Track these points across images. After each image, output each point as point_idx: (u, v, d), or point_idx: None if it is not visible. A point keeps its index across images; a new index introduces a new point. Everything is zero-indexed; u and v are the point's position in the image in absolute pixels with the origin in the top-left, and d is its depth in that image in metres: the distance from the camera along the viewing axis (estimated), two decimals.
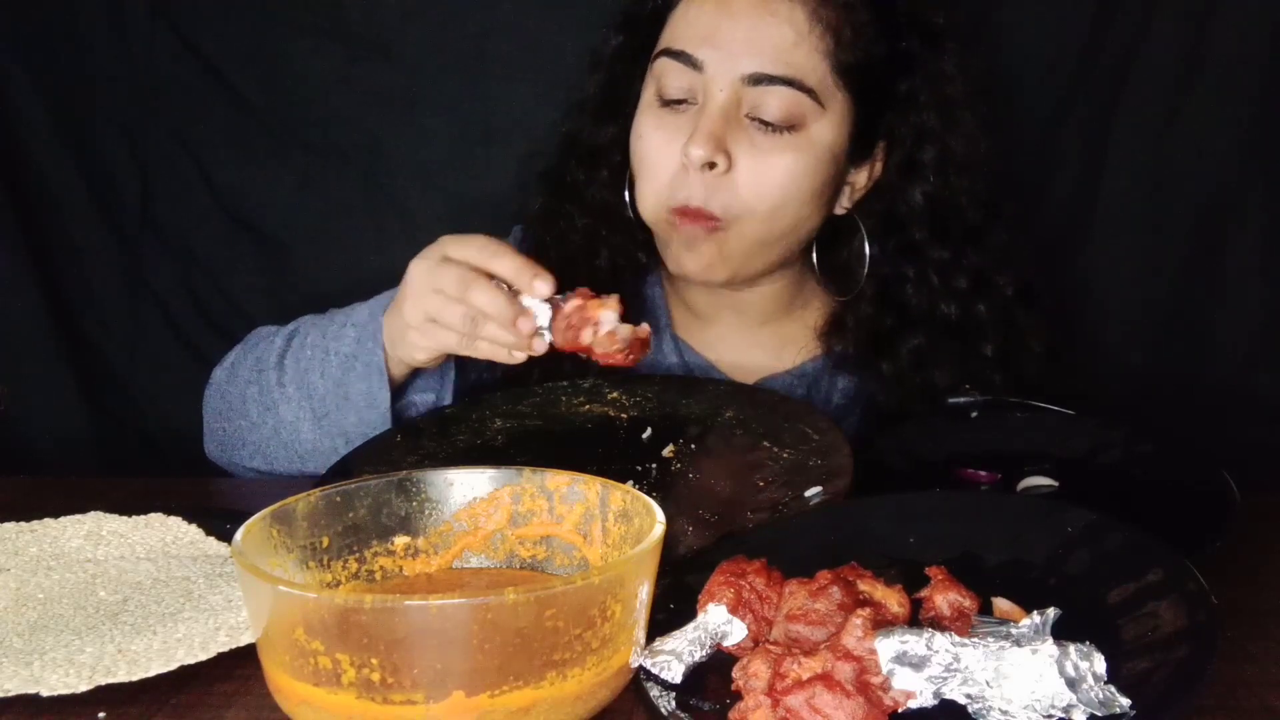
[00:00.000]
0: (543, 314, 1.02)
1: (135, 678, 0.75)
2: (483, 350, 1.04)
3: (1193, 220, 1.54)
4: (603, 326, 1.00)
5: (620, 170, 1.25)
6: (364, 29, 1.56)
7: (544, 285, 1.01)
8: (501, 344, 1.03)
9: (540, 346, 1.03)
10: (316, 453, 1.15)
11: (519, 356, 1.04)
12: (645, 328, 1.02)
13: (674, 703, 0.70)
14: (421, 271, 1.04)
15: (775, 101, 1.13)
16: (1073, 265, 1.57)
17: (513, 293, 1.02)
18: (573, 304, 1.01)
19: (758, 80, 1.12)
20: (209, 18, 1.57)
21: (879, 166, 1.25)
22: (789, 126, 1.14)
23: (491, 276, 1.03)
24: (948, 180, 1.24)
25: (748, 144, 1.13)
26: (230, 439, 1.22)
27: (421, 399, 1.19)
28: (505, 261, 1.02)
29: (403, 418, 1.18)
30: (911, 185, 1.24)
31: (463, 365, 1.21)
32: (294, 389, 1.15)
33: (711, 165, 1.12)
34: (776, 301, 1.29)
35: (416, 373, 1.19)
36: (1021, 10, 1.53)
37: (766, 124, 1.13)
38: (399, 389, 1.17)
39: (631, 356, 1.01)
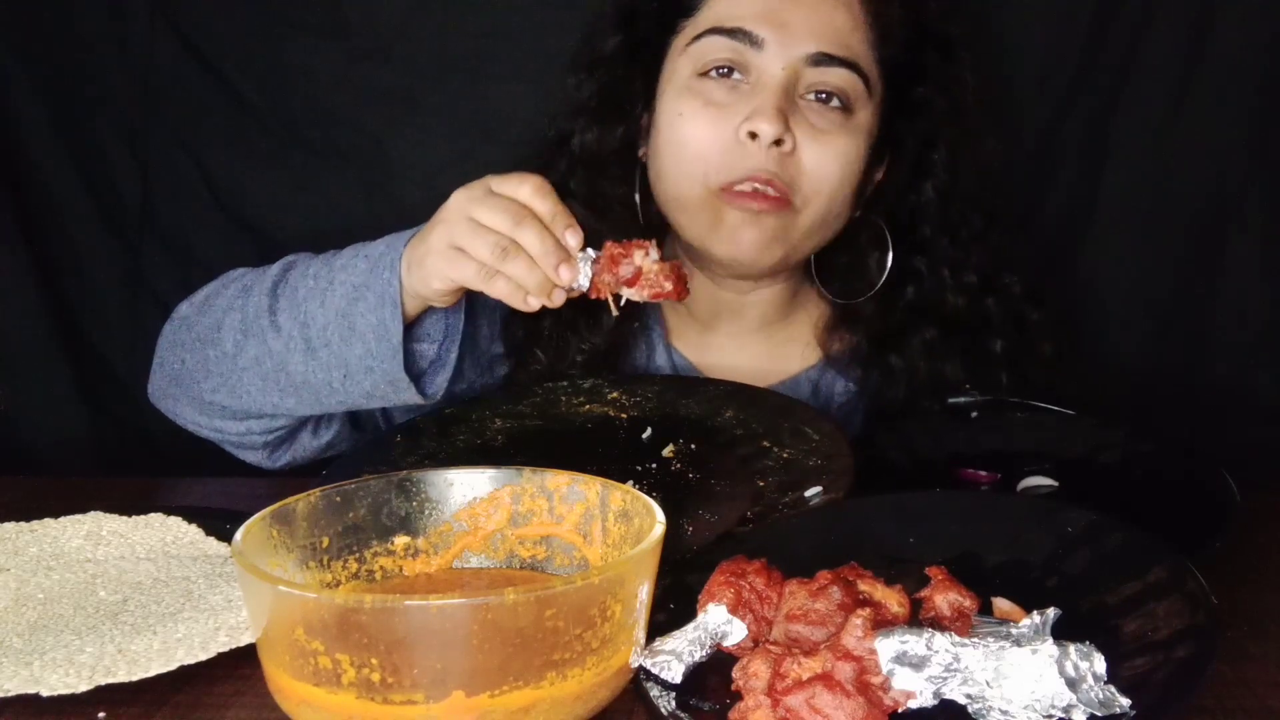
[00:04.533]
0: (584, 261, 1.00)
1: (135, 678, 0.75)
2: (499, 289, 0.99)
3: (1193, 220, 1.54)
4: (650, 254, 1.00)
5: (627, 175, 1.25)
6: (364, 29, 1.56)
7: (575, 236, 0.99)
8: (523, 285, 0.99)
9: (559, 299, 1.00)
10: (309, 385, 1.09)
11: (533, 304, 1.00)
12: (678, 262, 1.03)
13: (674, 703, 0.70)
14: (463, 200, 1.01)
15: (834, 83, 1.14)
16: (1073, 265, 1.57)
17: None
18: (613, 244, 1.01)
19: (819, 61, 1.13)
20: (209, 18, 1.57)
21: (881, 171, 1.26)
22: (843, 109, 1.15)
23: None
24: (956, 180, 1.25)
25: (806, 125, 1.13)
26: (190, 371, 1.16)
27: (425, 349, 1.12)
28: (548, 203, 0.99)
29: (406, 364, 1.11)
30: (922, 184, 1.25)
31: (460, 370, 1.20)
32: (287, 318, 1.09)
33: (778, 143, 1.11)
34: (775, 305, 1.29)
35: (426, 316, 1.12)
36: (1021, 11, 1.52)
37: (824, 105, 1.14)
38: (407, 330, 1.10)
39: (679, 286, 1.01)
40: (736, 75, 1.15)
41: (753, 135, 1.11)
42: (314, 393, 1.10)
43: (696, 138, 1.15)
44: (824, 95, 1.14)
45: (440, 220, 1.01)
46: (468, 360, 1.25)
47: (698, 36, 1.17)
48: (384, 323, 1.04)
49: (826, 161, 1.14)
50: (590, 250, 1.01)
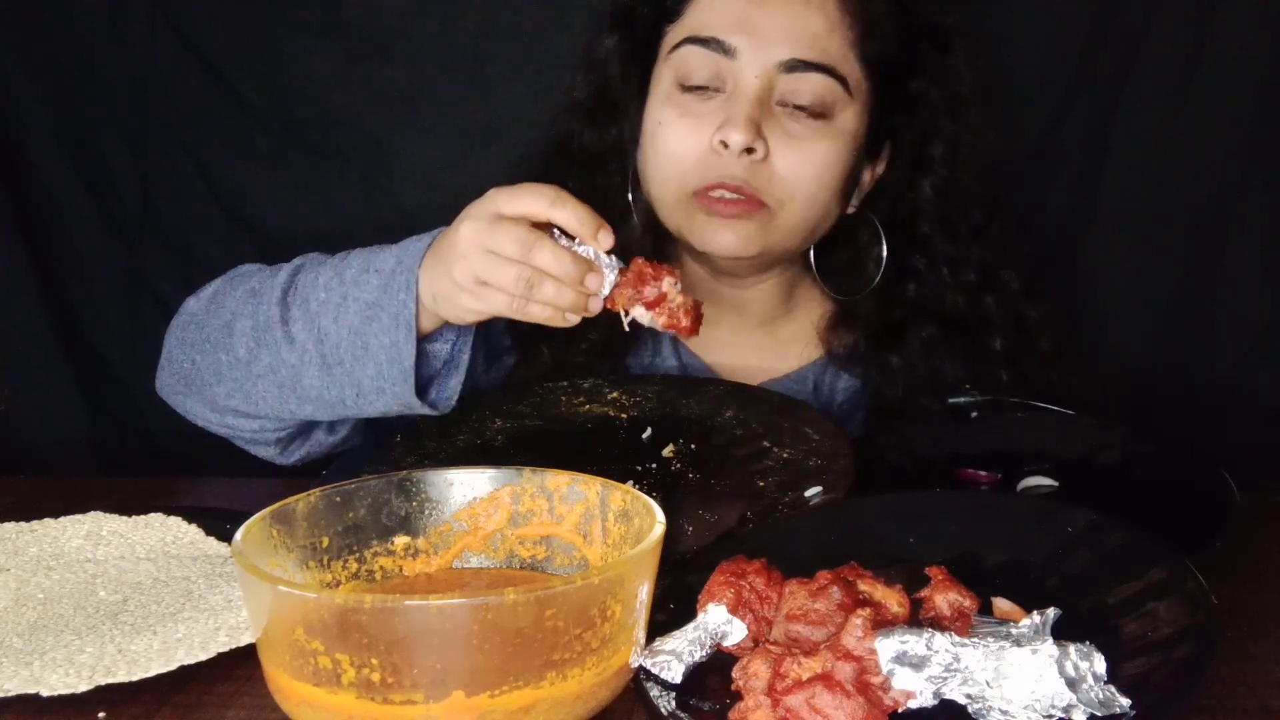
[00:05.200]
0: (609, 270, 0.97)
1: (135, 678, 0.75)
2: (534, 314, 0.98)
3: (1193, 220, 1.54)
4: (677, 285, 0.97)
5: (623, 173, 1.25)
6: (364, 29, 1.56)
7: (608, 236, 0.96)
8: (557, 306, 0.97)
9: (595, 306, 0.98)
10: (323, 401, 1.09)
11: (573, 319, 0.98)
12: (700, 302, 0.99)
13: (674, 703, 0.70)
14: (473, 231, 0.97)
15: (809, 89, 1.13)
16: (1073, 265, 1.57)
17: (567, 238, 0.98)
18: (641, 261, 0.98)
19: (793, 67, 1.13)
20: (209, 18, 1.57)
21: (882, 166, 1.26)
22: (820, 115, 1.14)
23: (548, 228, 0.97)
24: (956, 176, 1.25)
25: (781, 131, 1.13)
26: (201, 373, 1.14)
27: (438, 348, 1.10)
28: (568, 210, 0.96)
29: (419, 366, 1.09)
30: (920, 180, 1.25)
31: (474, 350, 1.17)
32: (301, 329, 1.07)
33: (749, 151, 1.11)
34: (776, 299, 1.29)
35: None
36: (1022, 10, 1.53)
37: (800, 111, 1.14)
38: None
39: (694, 321, 0.98)
40: (713, 85, 1.15)
41: (726, 145, 1.11)
42: (328, 406, 1.10)
43: (675, 148, 1.16)
44: (800, 101, 1.14)
45: (458, 254, 0.98)
46: (480, 351, 1.25)
47: (677, 45, 1.17)
48: (397, 344, 1.03)
49: (800, 167, 1.14)
50: (615, 259, 0.98)
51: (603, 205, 1.23)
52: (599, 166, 1.26)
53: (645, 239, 1.24)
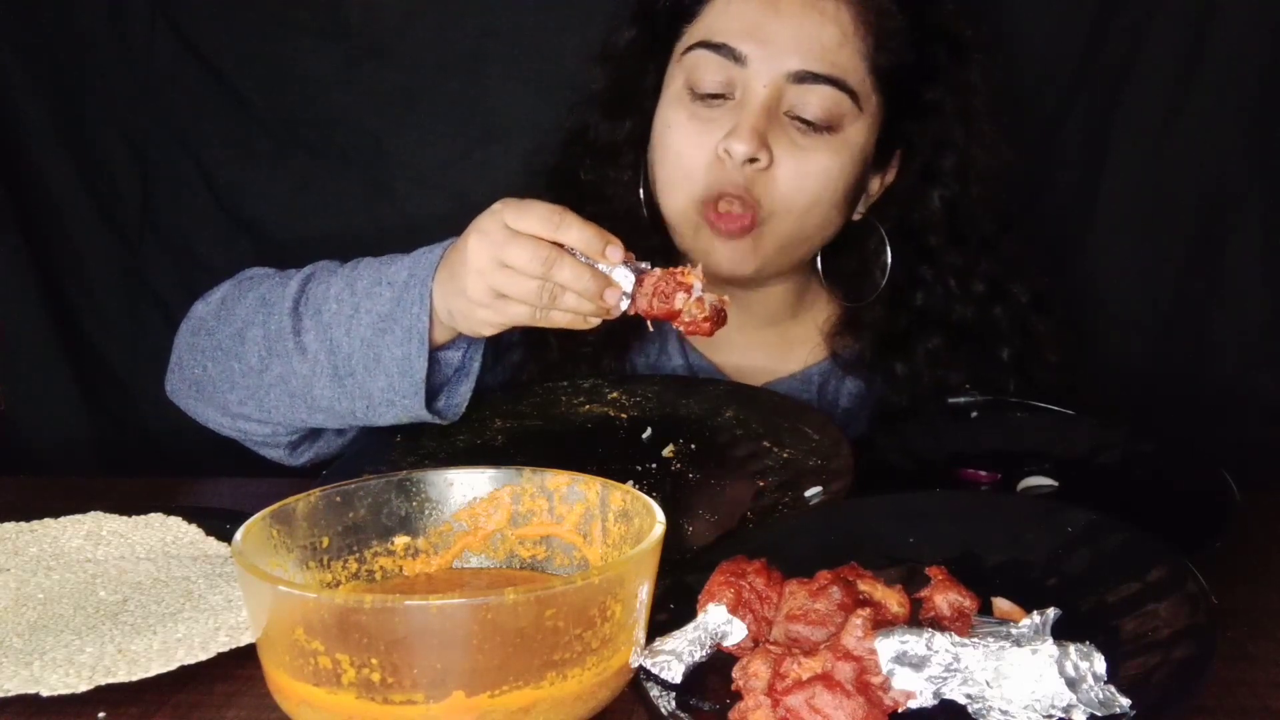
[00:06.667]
0: (626, 280, 0.97)
1: (135, 678, 0.75)
2: (557, 320, 0.99)
3: (1193, 220, 1.54)
4: (694, 292, 0.97)
5: (635, 167, 1.25)
6: (364, 29, 1.56)
7: (616, 251, 0.97)
8: (579, 313, 0.98)
9: (618, 311, 0.98)
10: (333, 411, 1.10)
11: (595, 322, 1.00)
12: (726, 298, 0.99)
13: (674, 703, 0.70)
14: (484, 246, 0.97)
15: (818, 101, 1.13)
16: (1073, 266, 1.57)
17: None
18: (660, 270, 0.98)
19: (802, 78, 1.12)
20: (209, 18, 1.57)
21: (893, 174, 1.26)
22: (828, 126, 1.14)
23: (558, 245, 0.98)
24: (966, 188, 1.25)
25: (787, 142, 1.13)
26: (213, 380, 1.15)
27: (451, 355, 1.11)
28: (574, 232, 0.96)
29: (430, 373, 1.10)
30: (930, 191, 1.25)
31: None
32: (313, 340, 1.07)
33: (753, 160, 1.11)
34: (783, 303, 1.29)
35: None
36: (1021, 10, 1.52)
37: (807, 123, 1.13)
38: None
39: (715, 326, 0.98)
40: (724, 92, 1.15)
41: (730, 154, 1.11)
42: (338, 416, 1.10)
43: (682, 152, 1.16)
44: (807, 114, 1.13)
45: (470, 269, 0.98)
46: (489, 348, 1.25)
47: (690, 48, 1.17)
48: (409, 358, 1.04)
49: (801, 179, 1.14)
50: (634, 266, 0.98)
51: (615, 198, 1.24)
52: (612, 159, 1.26)
53: (656, 238, 1.23)
